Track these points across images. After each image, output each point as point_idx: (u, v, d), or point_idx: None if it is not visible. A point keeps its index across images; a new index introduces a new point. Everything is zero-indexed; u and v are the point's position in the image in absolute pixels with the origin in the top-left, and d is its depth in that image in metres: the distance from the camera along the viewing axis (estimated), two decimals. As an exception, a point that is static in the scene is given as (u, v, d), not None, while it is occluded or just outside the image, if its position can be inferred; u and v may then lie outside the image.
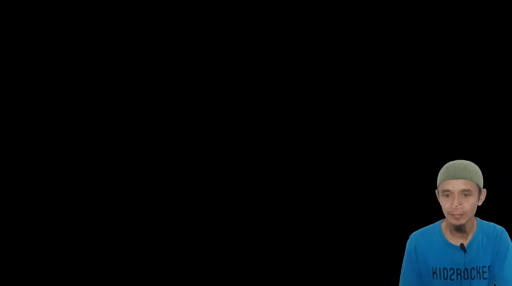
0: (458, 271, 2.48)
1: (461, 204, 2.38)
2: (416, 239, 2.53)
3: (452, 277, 2.49)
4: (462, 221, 2.40)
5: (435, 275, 2.51)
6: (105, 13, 4.66)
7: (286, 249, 4.63)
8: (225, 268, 4.62)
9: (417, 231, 2.57)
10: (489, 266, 2.48)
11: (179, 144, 4.73)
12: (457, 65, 4.61)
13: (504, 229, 2.52)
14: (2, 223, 4.62)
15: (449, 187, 2.38)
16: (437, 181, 2.45)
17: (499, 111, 4.58)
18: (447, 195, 2.40)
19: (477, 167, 2.44)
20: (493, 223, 2.53)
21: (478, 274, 2.48)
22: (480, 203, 2.46)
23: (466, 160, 2.46)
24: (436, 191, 2.47)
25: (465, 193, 2.38)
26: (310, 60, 4.72)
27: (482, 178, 2.44)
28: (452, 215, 2.40)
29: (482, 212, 2.54)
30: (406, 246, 2.57)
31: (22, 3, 4.61)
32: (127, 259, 4.62)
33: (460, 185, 2.38)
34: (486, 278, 2.49)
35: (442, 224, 2.53)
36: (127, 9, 4.66)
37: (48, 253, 4.61)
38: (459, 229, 2.46)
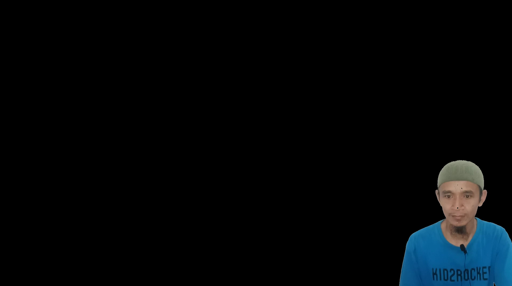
0: (459, 272, 2.48)
1: (462, 205, 2.37)
2: (416, 240, 2.53)
3: (453, 278, 2.49)
4: (463, 222, 2.40)
5: (435, 276, 2.51)
6: (105, 12, 4.66)
7: (286, 250, 4.64)
8: (225, 268, 4.62)
9: (416, 232, 2.57)
10: (489, 267, 2.48)
11: (179, 144, 4.74)
12: (457, 65, 4.61)
13: (504, 229, 2.52)
14: (2, 223, 4.63)
15: (451, 188, 2.38)
16: (438, 182, 2.45)
17: (499, 111, 4.58)
18: (448, 196, 2.39)
19: (478, 168, 2.44)
20: (493, 224, 2.53)
21: (479, 275, 2.48)
22: (480, 204, 2.46)
23: (467, 160, 2.46)
24: (436, 191, 2.47)
25: (467, 194, 2.38)
26: (310, 60, 4.72)
27: (483, 179, 2.44)
28: (453, 216, 2.39)
29: (482, 213, 2.54)
30: (406, 247, 2.57)
31: (22, 3, 4.61)
32: (127, 259, 4.62)
33: (461, 186, 2.37)
34: (486, 279, 2.49)
35: (442, 224, 2.53)
36: (127, 9, 4.67)
37: (48, 253, 4.61)
38: (460, 230, 2.46)
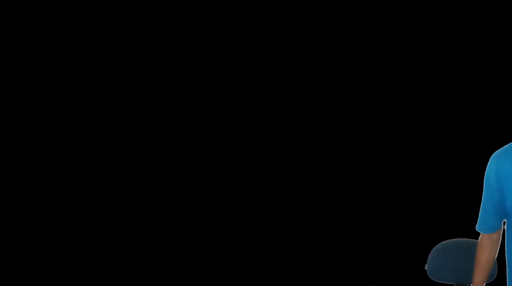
0: None
1: None
2: (497, 162, 2.03)
3: None
4: None
5: None
6: (105, 12, 4.66)
7: (286, 250, 4.63)
8: (224, 268, 4.62)
9: (497, 151, 2.08)
10: None
11: (179, 144, 4.73)
12: (457, 65, 4.61)
13: None
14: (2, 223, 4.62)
15: None
16: None
17: (500, 111, 4.57)
18: None
19: None
20: None
21: None
22: None
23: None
24: None
25: None
26: (310, 60, 4.71)
27: None
28: None
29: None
30: (486, 170, 2.09)
31: (22, 3, 4.61)
32: (126, 259, 4.62)
33: None
34: None
35: None
36: (127, 9, 4.66)
37: (48, 253, 4.61)
38: None
